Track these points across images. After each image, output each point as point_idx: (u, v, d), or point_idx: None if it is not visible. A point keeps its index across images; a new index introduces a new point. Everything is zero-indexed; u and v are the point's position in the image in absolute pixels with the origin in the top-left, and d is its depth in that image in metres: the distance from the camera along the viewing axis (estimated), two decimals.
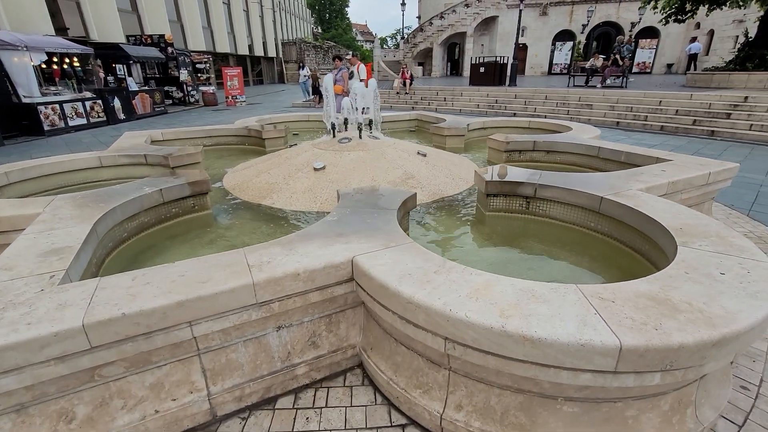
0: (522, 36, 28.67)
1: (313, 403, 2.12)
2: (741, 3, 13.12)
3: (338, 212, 2.71)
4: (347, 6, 75.50)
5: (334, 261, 2.04)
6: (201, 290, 1.74)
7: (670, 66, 27.64)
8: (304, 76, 20.04)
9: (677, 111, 11.12)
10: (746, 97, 10.38)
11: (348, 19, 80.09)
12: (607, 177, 3.38)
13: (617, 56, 15.11)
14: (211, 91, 19.86)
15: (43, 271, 1.95)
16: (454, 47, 32.74)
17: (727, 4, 13.57)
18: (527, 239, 3.23)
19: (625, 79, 15.01)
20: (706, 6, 14.25)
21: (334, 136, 5.09)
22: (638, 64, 26.53)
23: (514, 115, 13.82)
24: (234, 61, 32.28)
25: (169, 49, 19.65)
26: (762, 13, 14.67)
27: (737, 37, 22.74)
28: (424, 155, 4.87)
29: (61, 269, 1.97)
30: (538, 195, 3.31)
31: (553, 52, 28.74)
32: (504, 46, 28.46)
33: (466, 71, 29.58)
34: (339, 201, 3.05)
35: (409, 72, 17.93)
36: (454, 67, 32.79)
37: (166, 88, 18.71)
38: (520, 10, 16.80)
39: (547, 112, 13.46)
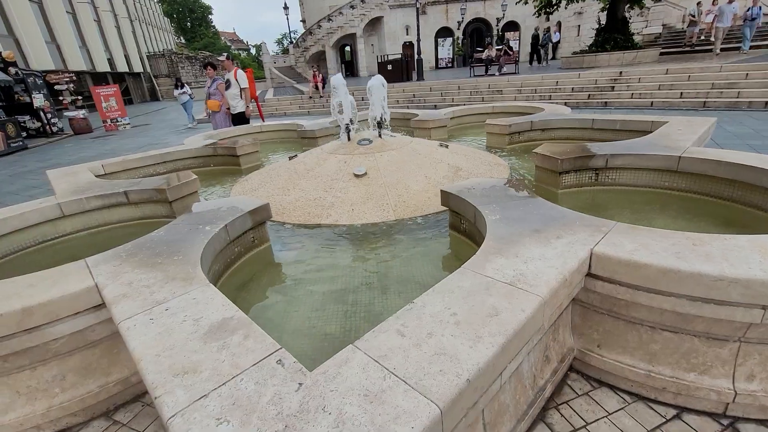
0: (407, 34, 30.25)
1: (571, 424, 1.87)
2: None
3: (487, 209, 2.44)
4: (210, 14, 70.29)
5: (579, 256, 1.83)
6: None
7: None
8: (185, 95, 15.66)
9: (573, 89, 12.93)
10: (621, 72, 12.56)
11: (214, 27, 74.60)
12: (653, 140, 3.72)
13: (506, 47, 16.93)
14: (82, 116, 16.53)
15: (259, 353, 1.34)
16: (344, 49, 32.93)
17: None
18: (621, 208, 3.37)
19: (516, 66, 16.91)
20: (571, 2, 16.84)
21: (349, 138, 4.64)
22: (473, 56, 30.25)
23: (435, 106, 14.50)
24: (93, 79, 27.39)
25: (12, 70, 15.74)
26: (602, 5, 17.93)
27: (579, 26, 27.50)
28: (447, 147, 4.76)
29: (274, 347, 1.38)
30: (610, 165, 3.49)
31: (437, 48, 31.01)
32: (392, 45, 29.64)
33: (362, 71, 30.08)
34: (454, 200, 2.77)
35: (320, 75, 17.44)
36: (348, 68, 33.02)
37: (18, 118, 14.92)
38: (417, 9, 17.63)
39: (464, 101, 14.42)
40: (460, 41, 30.86)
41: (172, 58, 34.64)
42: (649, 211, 3.21)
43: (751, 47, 13.18)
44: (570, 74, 13.66)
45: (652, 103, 11.02)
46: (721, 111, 9.28)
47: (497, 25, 30.46)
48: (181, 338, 1.47)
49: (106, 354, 2.07)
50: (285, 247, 3.17)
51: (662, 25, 23.05)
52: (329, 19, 28.41)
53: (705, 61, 12.31)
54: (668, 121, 4.55)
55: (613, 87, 12.25)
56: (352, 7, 28.13)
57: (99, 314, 1.94)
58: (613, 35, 16.03)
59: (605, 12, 17.03)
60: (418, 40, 18.45)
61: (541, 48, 20.56)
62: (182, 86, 15.71)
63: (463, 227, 2.86)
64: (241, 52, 77.57)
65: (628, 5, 16.23)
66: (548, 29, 20.59)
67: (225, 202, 3.03)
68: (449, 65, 31.39)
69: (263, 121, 9.16)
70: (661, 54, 15.83)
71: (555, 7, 17.62)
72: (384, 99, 4.60)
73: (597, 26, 17.51)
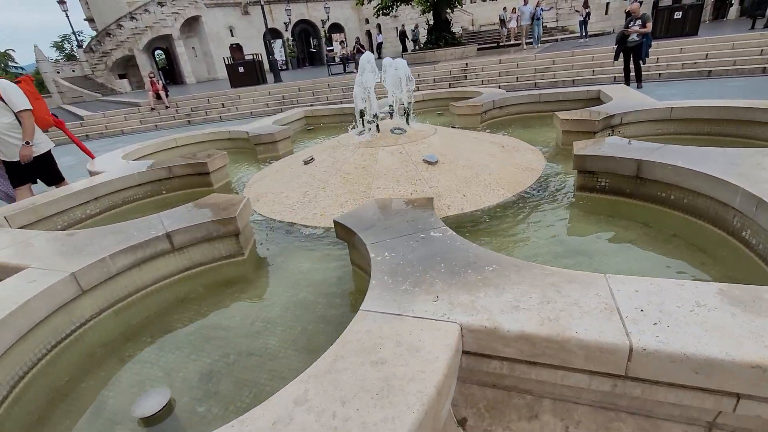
0: (233, 36, 28.11)
1: None
2: (422, 4, 18.13)
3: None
4: None
5: None
6: None
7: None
8: None
9: (434, 79, 14.60)
10: (467, 64, 14.85)
11: None
12: (628, 100, 4.72)
13: (359, 45, 17.73)
14: None
15: None
16: (164, 52, 28.18)
17: (413, 3, 18.43)
18: None
19: None
20: (401, 4, 18.69)
21: (378, 129, 4.23)
22: (326, 54, 31.44)
23: (311, 105, 14.15)
24: None
25: None
26: (421, 10, 20.59)
27: (397, 27, 30.74)
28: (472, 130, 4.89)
29: None
30: (623, 121, 4.28)
31: (267, 48, 29.74)
32: (218, 48, 27.07)
33: (188, 77, 26.49)
34: (591, 161, 2.98)
35: (160, 82, 14.60)
36: (168, 75, 28.46)
37: None
38: (287, 10, 16.59)
39: (341, 98, 14.53)
40: (291, 42, 30.42)
41: None
42: None
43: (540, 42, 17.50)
44: (426, 67, 15.33)
45: (499, 86, 13.45)
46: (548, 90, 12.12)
47: (323, 27, 31.28)
48: None
49: None
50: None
51: (461, 27, 28.02)
52: (132, 18, 23.80)
53: (522, 53, 15.70)
54: (599, 89, 5.79)
55: (465, 76, 14.38)
56: (161, 4, 24.27)
57: None
58: (443, 34, 18.69)
59: (426, 14, 19.69)
60: (270, 40, 17.45)
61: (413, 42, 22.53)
62: None
63: (599, 184, 3.09)
64: None
65: (447, 9, 19.11)
66: (416, 26, 22.60)
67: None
68: (284, 67, 30.68)
69: (92, 157, 5.50)
70: (479, 49, 19.34)
71: (391, 9, 19.30)
72: (411, 84, 4.37)
73: (428, 26, 20.01)
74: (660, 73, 11.75)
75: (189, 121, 14.24)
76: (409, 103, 4.45)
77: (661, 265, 2.30)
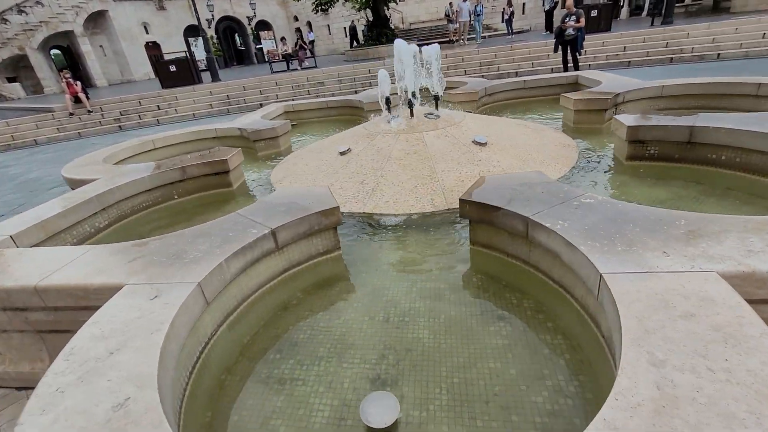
0: (147, 33, 25.60)
1: None
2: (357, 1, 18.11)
3: None
4: None
5: None
6: None
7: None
8: None
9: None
10: None
11: None
12: (617, 81, 5.19)
13: (303, 42, 17.17)
14: None
15: None
16: (66, 51, 24.48)
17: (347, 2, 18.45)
18: None
19: (314, 59, 17.46)
20: (339, 1, 18.47)
21: (412, 114, 4.15)
22: (268, 52, 30.12)
23: (260, 105, 13.42)
24: None
25: None
26: (357, 8, 20.55)
27: (328, 26, 30.30)
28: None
29: None
30: (625, 99, 4.71)
31: (189, 47, 27.51)
32: (131, 46, 24.41)
33: (97, 80, 23.50)
34: (644, 131, 3.24)
35: (78, 83, 12.74)
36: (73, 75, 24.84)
37: None
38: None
39: (290, 96, 13.97)
40: (215, 40, 28.42)
41: None
42: None
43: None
44: (376, 63, 15.34)
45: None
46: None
47: (249, 24, 29.74)
48: None
49: None
50: None
51: (392, 25, 28.40)
52: (21, 11, 20.43)
53: (465, 48, 16.40)
54: (576, 74, 6.29)
55: None
56: None
57: None
58: (384, 30, 18.84)
59: (363, 11, 19.71)
60: (209, 38, 16.12)
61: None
62: None
63: (648, 152, 3.36)
64: None
65: (384, 6, 19.27)
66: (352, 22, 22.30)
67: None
68: (205, 68, 28.61)
69: None
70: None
71: (329, 6, 18.96)
72: (439, 70, 4.33)
73: (367, 23, 19.99)
74: (590, 64, 13.07)
75: (120, 127, 12.62)
76: (439, 88, 4.41)
77: (736, 210, 2.59)
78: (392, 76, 4.29)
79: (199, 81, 16.27)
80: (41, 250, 2.31)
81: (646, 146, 3.33)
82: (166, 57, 16.73)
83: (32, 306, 1.98)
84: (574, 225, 1.84)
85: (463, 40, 16.96)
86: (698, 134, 3.05)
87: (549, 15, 18.55)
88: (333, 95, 13.76)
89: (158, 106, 13.57)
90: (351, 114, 6.98)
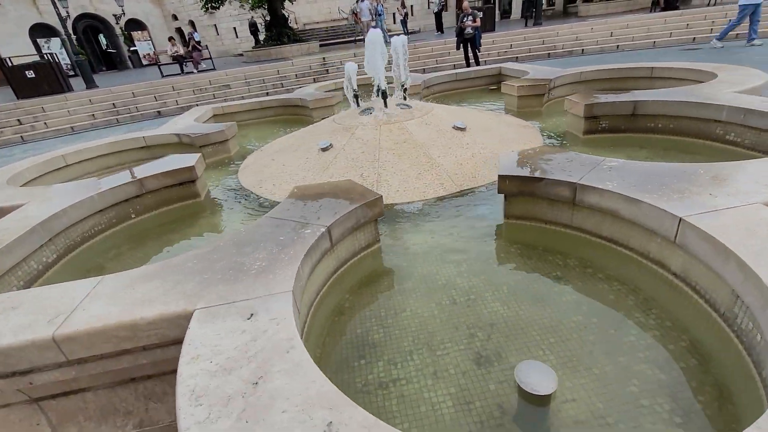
0: None
1: None
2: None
3: None
4: None
5: None
6: None
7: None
8: None
9: (296, 75, 14.24)
10: (324, 58, 14.99)
11: None
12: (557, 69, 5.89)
13: (196, 43, 15.66)
14: None
15: None
16: None
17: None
18: None
19: (211, 61, 16.09)
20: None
21: (386, 105, 4.12)
22: (144, 56, 26.78)
23: (159, 113, 11.99)
24: None
25: None
26: (250, 6, 19.58)
27: (215, 26, 28.10)
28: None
29: None
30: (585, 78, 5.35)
31: (39, 50, 23.07)
32: None
33: None
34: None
35: None
36: None
37: None
38: None
39: (193, 101, 12.71)
40: (74, 42, 24.23)
41: None
42: None
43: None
44: (284, 63, 14.77)
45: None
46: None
47: (118, 23, 26.07)
48: None
49: None
50: None
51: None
52: None
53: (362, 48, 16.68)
54: (500, 66, 6.94)
55: (327, 70, 14.51)
56: None
57: None
58: (284, 30, 18.21)
59: (255, 10, 18.86)
60: (66, 38, 13.61)
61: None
62: None
63: (601, 126, 3.89)
64: None
65: (281, 4, 18.62)
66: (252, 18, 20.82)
67: None
68: (71, 72, 24.41)
69: None
70: (321, 45, 19.62)
71: (219, 4, 17.61)
72: (406, 61, 4.35)
73: (264, 22, 19.05)
74: (485, 60, 14.48)
75: None
76: (407, 79, 4.45)
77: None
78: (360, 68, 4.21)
79: (69, 89, 13.75)
80: (33, 291, 1.75)
81: (599, 121, 3.85)
82: (15, 61, 13.69)
83: (43, 365, 1.49)
84: (622, 184, 2.07)
85: None
86: (640, 107, 3.64)
87: (438, 16, 20.05)
88: (243, 97, 12.91)
89: (19, 120, 11.10)
90: (291, 113, 6.64)
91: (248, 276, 1.67)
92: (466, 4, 12.14)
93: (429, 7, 27.90)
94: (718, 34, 10.42)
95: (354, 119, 4.07)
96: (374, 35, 3.99)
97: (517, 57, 14.34)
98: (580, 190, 2.14)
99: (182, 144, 4.77)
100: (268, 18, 18.68)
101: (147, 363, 1.57)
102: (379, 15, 17.03)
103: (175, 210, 3.42)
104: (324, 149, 3.73)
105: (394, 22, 23.54)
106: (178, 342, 1.37)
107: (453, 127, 3.84)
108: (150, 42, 27.19)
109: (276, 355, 1.22)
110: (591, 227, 2.23)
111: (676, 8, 15.79)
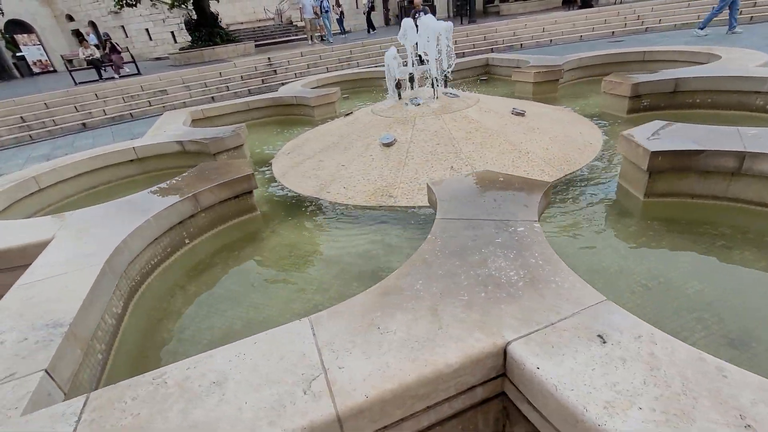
0: None
1: None
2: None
3: None
4: None
5: None
6: None
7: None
8: None
9: (241, 77, 13.17)
10: (269, 58, 14.07)
11: None
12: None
13: (112, 43, 13.71)
14: None
15: None
16: None
17: None
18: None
19: (135, 65, 14.23)
20: None
21: (436, 95, 3.85)
22: (35, 63, 23.00)
23: (84, 125, 10.29)
24: None
25: None
26: (169, 4, 17.76)
27: (123, 27, 25.00)
28: None
29: None
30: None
31: None
32: None
33: None
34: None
35: None
36: None
37: None
38: None
39: (128, 108, 11.14)
40: None
41: None
42: None
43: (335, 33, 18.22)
44: (225, 65, 13.56)
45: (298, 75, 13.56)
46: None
47: None
48: None
49: None
50: None
51: None
52: None
53: (317, 47, 16.02)
54: (486, 56, 7.01)
55: (275, 71, 13.65)
56: None
57: None
58: (215, 29, 16.77)
59: (177, 8, 17.11)
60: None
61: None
62: None
63: (642, 105, 4.01)
64: None
65: (207, 3, 17.09)
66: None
67: None
68: None
69: None
70: (256, 46, 18.43)
71: (136, 2, 15.62)
72: (449, 48, 4.08)
73: (191, 20, 17.32)
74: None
75: None
76: (449, 67, 4.18)
77: None
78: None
79: None
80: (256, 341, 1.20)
81: (641, 100, 3.98)
82: None
83: None
84: None
85: (312, 39, 16.58)
86: (682, 84, 3.82)
87: (368, 16, 20.36)
88: (185, 103, 11.58)
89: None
90: (283, 114, 6.00)
91: (519, 288, 1.32)
92: (417, 0, 12.19)
93: (358, 7, 27.84)
94: (700, 23, 10.15)
95: (401, 110, 3.73)
96: (429, 20, 3.69)
97: (464, 53, 14.77)
98: (749, 158, 2.10)
99: (186, 153, 4.00)
100: (195, 17, 17.03)
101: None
102: (326, 12, 16.45)
103: (233, 229, 2.80)
104: (387, 144, 3.34)
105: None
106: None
107: (512, 113, 3.69)
108: (40, 46, 23.35)
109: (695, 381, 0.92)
110: (751, 196, 2.21)
111: (591, 6, 17.54)
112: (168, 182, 2.73)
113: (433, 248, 1.61)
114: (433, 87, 3.85)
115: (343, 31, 20.28)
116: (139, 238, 2.16)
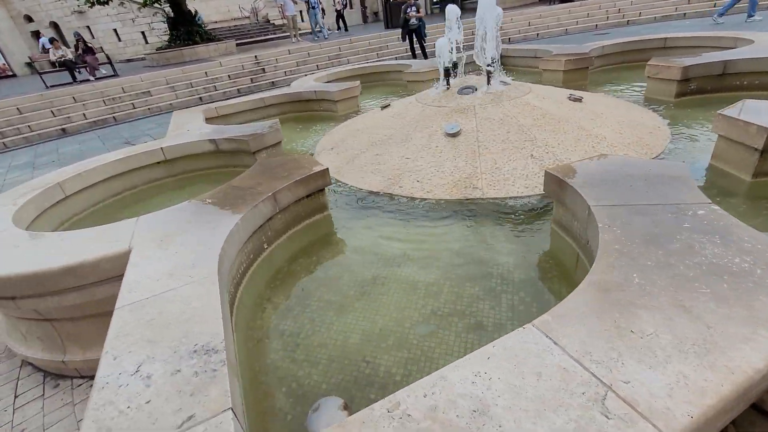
0: None
1: None
2: None
3: None
4: None
5: None
6: None
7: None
8: None
9: (229, 76, 12.65)
10: (256, 56, 13.59)
11: None
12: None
13: (86, 43, 12.89)
14: None
15: None
16: None
17: None
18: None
19: (111, 66, 13.44)
20: None
21: (489, 83, 3.68)
22: None
23: (64, 130, 9.58)
24: None
25: None
26: (141, 3, 16.90)
27: (89, 27, 23.63)
28: None
29: None
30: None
31: None
32: None
33: None
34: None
35: None
36: None
37: None
38: None
39: (109, 111, 10.48)
40: None
41: None
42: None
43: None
44: (210, 64, 12.99)
45: (305, 74, 13.19)
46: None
47: None
48: None
49: None
50: None
51: None
52: None
53: (302, 44, 15.59)
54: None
55: (263, 69, 13.18)
56: None
57: None
58: (194, 28, 16.08)
59: (149, 7, 16.31)
60: None
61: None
62: None
63: (689, 89, 3.98)
64: None
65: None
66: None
67: None
68: None
69: None
70: (237, 45, 17.80)
71: (107, 1, 14.73)
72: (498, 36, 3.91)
73: (168, 19, 16.51)
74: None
75: None
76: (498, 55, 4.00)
77: None
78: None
79: None
80: None
81: (689, 83, 3.95)
82: None
83: None
84: None
85: (295, 36, 16.11)
86: (730, 66, 3.81)
87: (340, 14, 20.25)
88: (171, 105, 11.02)
89: None
90: (301, 110, 5.69)
91: (758, 276, 1.16)
92: None
93: (334, 4, 27.51)
94: (720, 9, 9.84)
95: (454, 99, 3.55)
96: (487, 3, 3.51)
97: (458, 46, 14.75)
98: None
99: (220, 152, 3.67)
100: (171, 15, 16.24)
101: None
102: (314, 8, 16.02)
103: (306, 231, 2.54)
104: (453, 134, 3.14)
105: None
106: None
107: (569, 98, 3.57)
108: (56, 42, 21.74)
109: None
110: None
111: (572, 0, 17.88)
112: (231, 182, 2.44)
113: (616, 237, 1.43)
114: (487, 75, 3.68)
115: (346, 28, 20.05)
116: (233, 244, 1.89)
